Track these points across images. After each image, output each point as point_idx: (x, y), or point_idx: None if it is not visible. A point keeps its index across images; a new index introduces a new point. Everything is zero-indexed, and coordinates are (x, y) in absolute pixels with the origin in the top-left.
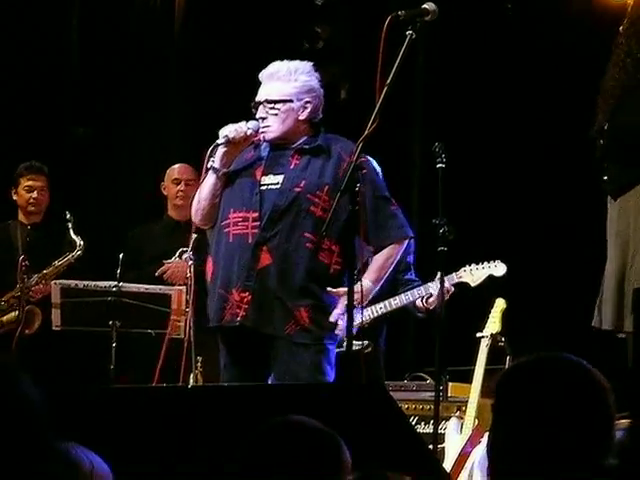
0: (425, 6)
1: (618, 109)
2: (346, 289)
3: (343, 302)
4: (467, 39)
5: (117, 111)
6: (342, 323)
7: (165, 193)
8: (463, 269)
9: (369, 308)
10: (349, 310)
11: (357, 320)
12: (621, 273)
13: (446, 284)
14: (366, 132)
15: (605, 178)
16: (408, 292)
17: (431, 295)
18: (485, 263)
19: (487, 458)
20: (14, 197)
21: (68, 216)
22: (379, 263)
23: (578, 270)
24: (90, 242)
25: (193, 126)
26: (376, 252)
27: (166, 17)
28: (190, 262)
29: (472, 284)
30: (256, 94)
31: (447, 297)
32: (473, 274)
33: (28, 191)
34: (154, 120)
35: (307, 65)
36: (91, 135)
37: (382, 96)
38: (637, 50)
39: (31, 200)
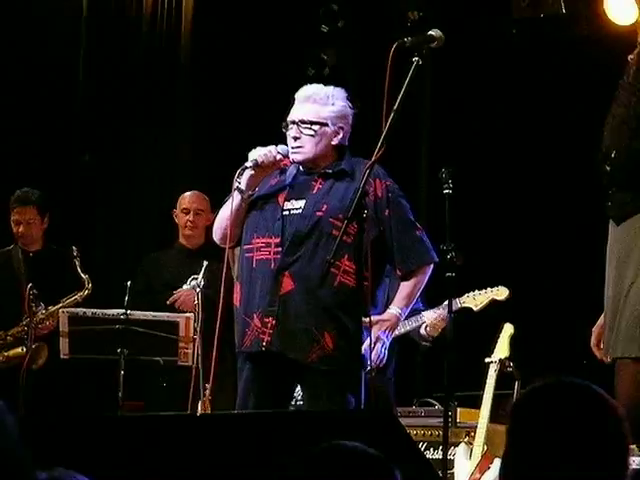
0: (431, 33)
1: (628, 136)
2: (376, 318)
3: (374, 332)
4: (473, 64)
5: (124, 138)
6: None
7: (176, 221)
8: (466, 295)
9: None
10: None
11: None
12: (617, 300)
13: (441, 311)
14: (373, 158)
15: (609, 204)
16: (405, 321)
17: (425, 324)
18: (488, 288)
19: None
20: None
21: (75, 252)
22: (407, 290)
23: (586, 295)
24: (98, 269)
25: (202, 152)
26: (403, 277)
27: (173, 42)
28: (198, 289)
29: (475, 308)
30: (278, 116)
31: (443, 324)
32: (476, 299)
33: (16, 224)
34: (162, 146)
35: (342, 92)
36: (98, 162)
37: (389, 122)
38: None
39: (19, 233)
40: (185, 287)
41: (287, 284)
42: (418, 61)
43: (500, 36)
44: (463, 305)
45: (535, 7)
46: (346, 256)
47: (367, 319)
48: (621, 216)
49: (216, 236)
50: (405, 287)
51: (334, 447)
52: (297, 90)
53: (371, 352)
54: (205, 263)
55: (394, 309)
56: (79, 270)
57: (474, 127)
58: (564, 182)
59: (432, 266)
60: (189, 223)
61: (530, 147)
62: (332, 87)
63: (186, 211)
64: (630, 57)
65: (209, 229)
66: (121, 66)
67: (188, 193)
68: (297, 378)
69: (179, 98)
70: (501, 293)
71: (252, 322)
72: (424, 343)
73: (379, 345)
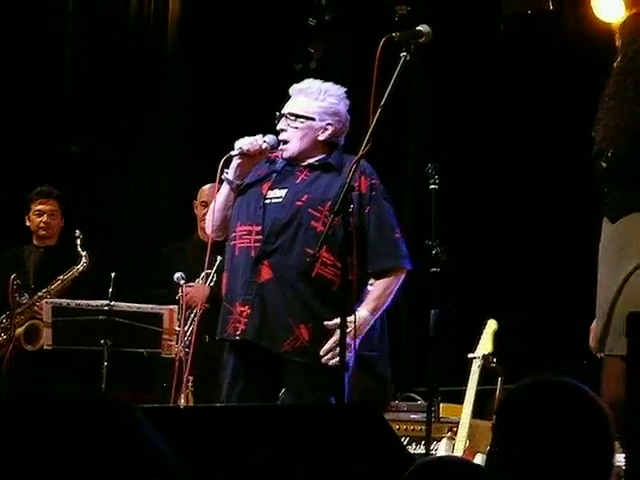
0: (419, 28)
1: (626, 134)
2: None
3: (335, 336)
4: (461, 60)
5: (111, 129)
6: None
7: (195, 212)
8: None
9: None
10: (341, 340)
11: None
12: (608, 298)
13: None
14: (360, 153)
15: (604, 201)
16: None
17: None
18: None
19: None
20: (27, 223)
21: (77, 233)
22: (376, 292)
23: (572, 291)
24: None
25: (190, 144)
26: (373, 277)
27: (161, 32)
28: (212, 283)
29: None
30: (275, 107)
31: None
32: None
33: (38, 215)
34: (150, 137)
35: (339, 89)
36: (85, 153)
37: (376, 118)
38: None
39: (41, 224)
40: (199, 281)
41: (265, 273)
42: (406, 56)
43: (488, 32)
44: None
45: (523, 3)
46: (324, 247)
47: (331, 322)
48: (616, 214)
49: (209, 229)
50: (374, 289)
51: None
52: (284, 83)
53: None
54: (219, 258)
55: (362, 312)
56: (79, 247)
57: (462, 123)
58: (552, 177)
59: (404, 274)
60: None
61: (518, 143)
62: (329, 83)
63: (204, 204)
64: (615, 64)
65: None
66: (109, 56)
67: (207, 186)
68: (278, 371)
69: (167, 89)
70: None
71: (234, 310)
72: None
73: (326, 346)
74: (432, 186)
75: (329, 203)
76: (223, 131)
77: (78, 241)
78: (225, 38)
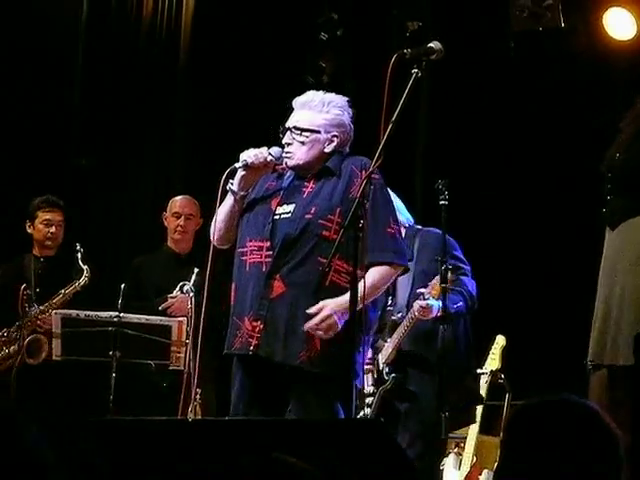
0: (431, 45)
1: (631, 144)
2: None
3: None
4: (471, 76)
5: (121, 142)
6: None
7: (166, 224)
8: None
9: (388, 345)
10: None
11: (384, 355)
12: (608, 306)
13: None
14: (371, 168)
15: (605, 210)
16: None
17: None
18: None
19: None
20: (29, 230)
21: (78, 247)
22: (372, 280)
23: (578, 306)
24: (92, 273)
25: (199, 158)
26: (365, 270)
27: (171, 48)
28: (191, 294)
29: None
30: (278, 122)
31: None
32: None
33: (47, 225)
34: (159, 151)
35: (342, 100)
36: (93, 166)
37: (387, 133)
38: None
39: (49, 234)
40: (176, 293)
41: (278, 287)
42: (417, 73)
43: (499, 48)
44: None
45: (534, 20)
46: (337, 255)
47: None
48: (614, 222)
49: (213, 238)
50: (370, 276)
51: None
52: (295, 98)
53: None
54: (196, 270)
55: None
56: (80, 261)
57: (472, 139)
58: (563, 194)
59: (395, 269)
60: (179, 227)
61: (528, 159)
62: (331, 94)
63: (177, 215)
64: None
65: (198, 234)
66: (119, 70)
67: (179, 197)
68: (286, 385)
69: (177, 103)
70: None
71: (243, 325)
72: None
73: (326, 317)
74: (442, 202)
75: (338, 210)
76: (232, 145)
77: (79, 255)
78: (236, 52)
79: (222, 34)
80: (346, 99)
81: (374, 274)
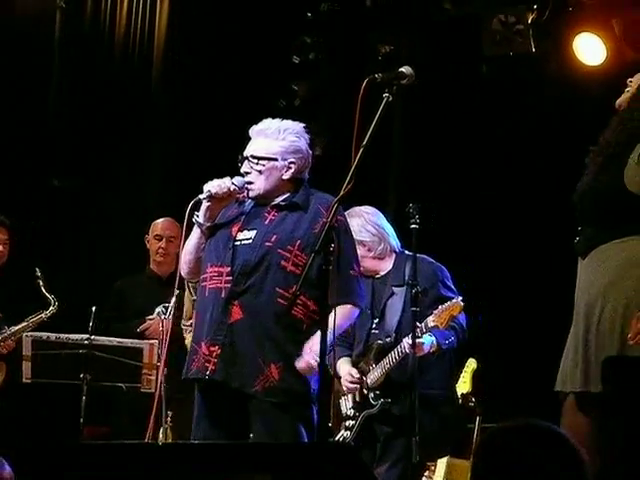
0: (402, 70)
1: (598, 173)
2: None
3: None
4: (443, 100)
5: (95, 163)
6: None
7: (148, 246)
8: (432, 316)
9: (376, 369)
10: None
11: (371, 379)
12: (587, 334)
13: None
14: (342, 192)
15: (577, 239)
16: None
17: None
18: (445, 304)
19: None
20: None
21: (38, 273)
22: (339, 320)
23: (551, 332)
24: (65, 294)
25: (173, 179)
26: None
27: (145, 68)
28: (163, 317)
29: (441, 327)
30: (244, 148)
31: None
32: (441, 316)
33: None
34: (133, 172)
35: (298, 126)
36: (67, 187)
37: (357, 157)
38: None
39: None
40: (155, 315)
41: (236, 313)
42: (388, 97)
43: (470, 73)
44: (432, 325)
45: (506, 45)
46: (294, 287)
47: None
48: (584, 251)
49: (183, 271)
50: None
51: None
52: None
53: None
54: (177, 292)
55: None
56: (43, 290)
57: (444, 163)
58: (531, 217)
59: (356, 310)
60: (161, 250)
61: (500, 183)
62: (287, 121)
63: (158, 238)
64: (629, 80)
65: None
66: (93, 91)
67: (160, 220)
68: (244, 411)
69: (150, 124)
70: (456, 308)
71: (200, 350)
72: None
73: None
74: (413, 226)
75: (298, 242)
76: (205, 166)
77: (40, 282)
78: (208, 74)
79: (194, 54)
80: (302, 125)
81: (340, 313)
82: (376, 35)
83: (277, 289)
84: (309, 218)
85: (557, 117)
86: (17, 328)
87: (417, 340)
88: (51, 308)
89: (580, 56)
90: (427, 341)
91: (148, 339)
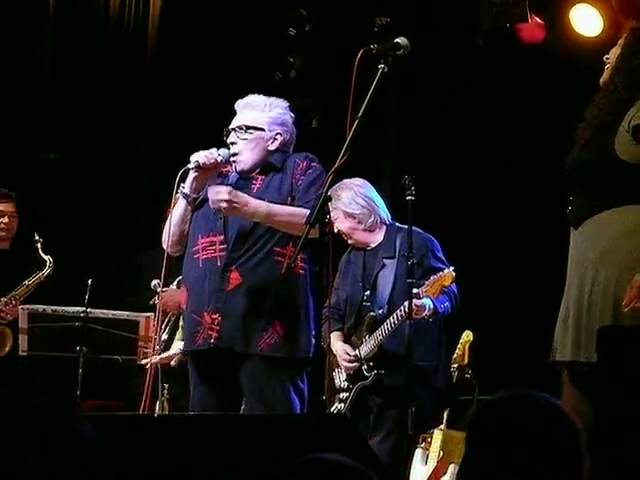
0: (397, 40)
1: (587, 144)
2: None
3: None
4: (439, 73)
5: (89, 137)
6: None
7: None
8: (424, 287)
9: (369, 341)
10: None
11: (365, 351)
12: (579, 303)
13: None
14: (336, 165)
15: (569, 209)
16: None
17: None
18: (438, 274)
19: None
20: None
21: (37, 237)
22: (293, 212)
23: (545, 301)
24: (59, 267)
25: (165, 152)
26: None
27: (139, 43)
28: (159, 289)
29: (433, 297)
30: (230, 123)
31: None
32: (432, 287)
33: None
34: (126, 146)
35: (283, 102)
36: (62, 161)
37: (353, 129)
38: (622, 86)
39: (2, 225)
40: (173, 287)
41: (234, 279)
42: (384, 69)
43: (467, 45)
44: (424, 296)
45: (502, 17)
46: (290, 244)
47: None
48: (577, 221)
49: (165, 244)
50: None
51: (315, 459)
52: (264, 94)
53: None
54: None
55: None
56: (41, 252)
57: (440, 135)
58: (527, 188)
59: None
60: None
61: (497, 155)
62: (273, 97)
63: None
64: (606, 57)
65: None
66: (87, 65)
67: None
68: (243, 371)
69: (144, 99)
70: (447, 278)
71: (203, 320)
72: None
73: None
74: (408, 197)
75: (288, 200)
76: (200, 140)
77: (39, 245)
78: (204, 47)
79: (189, 30)
80: (287, 103)
81: (298, 211)
82: (372, 7)
83: (275, 248)
84: (289, 174)
85: (554, 87)
86: (17, 292)
87: (418, 301)
88: (48, 268)
89: (576, 27)
90: (426, 304)
91: (164, 312)
